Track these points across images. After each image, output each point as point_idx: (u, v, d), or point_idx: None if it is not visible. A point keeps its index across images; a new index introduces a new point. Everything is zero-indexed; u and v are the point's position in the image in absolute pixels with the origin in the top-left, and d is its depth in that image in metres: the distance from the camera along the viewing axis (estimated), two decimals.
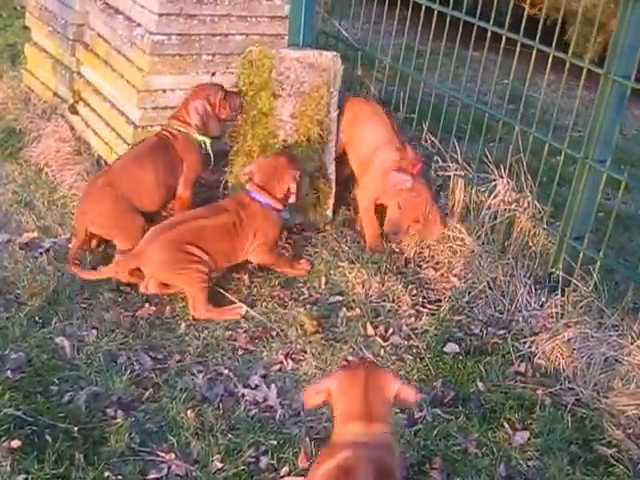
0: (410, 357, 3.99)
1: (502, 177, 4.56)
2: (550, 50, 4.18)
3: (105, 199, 4.40)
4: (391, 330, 4.17)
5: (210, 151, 4.68)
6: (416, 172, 4.56)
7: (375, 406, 2.69)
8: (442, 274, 4.59)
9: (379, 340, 4.08)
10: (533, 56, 4.29)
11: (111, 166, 4.67)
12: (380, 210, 4.79)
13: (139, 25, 5.03)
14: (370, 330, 4.14)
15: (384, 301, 4.36)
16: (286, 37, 5.15)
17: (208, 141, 4.66)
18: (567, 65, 4.15)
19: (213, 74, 5.05)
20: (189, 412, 3.49)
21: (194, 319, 4.11)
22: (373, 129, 4.81)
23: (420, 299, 4.42)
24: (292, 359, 3.90)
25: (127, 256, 4.18)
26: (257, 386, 3.71)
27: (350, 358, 3.90)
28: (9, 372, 3.61)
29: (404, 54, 5.22)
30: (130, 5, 5.12)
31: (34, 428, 3.32)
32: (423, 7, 4.89)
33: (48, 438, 3.28)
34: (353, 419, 2.68)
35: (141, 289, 4.20)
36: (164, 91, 4.99)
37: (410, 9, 5.00)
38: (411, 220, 4.57)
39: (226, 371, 3.78)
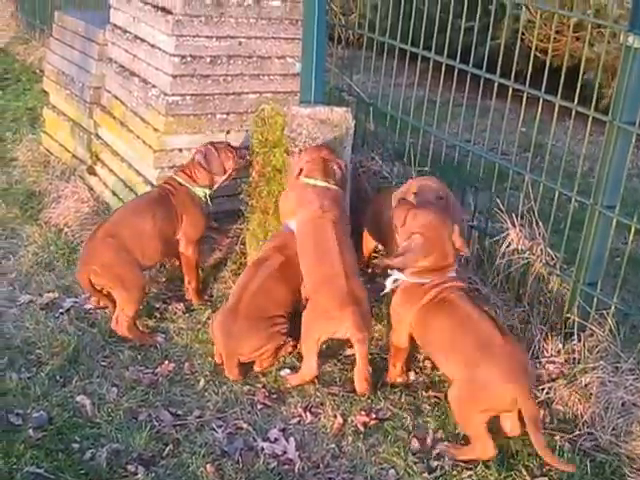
0: (428, 407, 4.00)
1: (515, 226, 4.59)
2: (556, 100, 4.24)
3: (107, 250, 4.43)
4: (409, 381, 4.20)
5: (210, 204, 4.76)
6: None
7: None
8: None
9: (397, 391, 4.10)
10: (540, 105, 4.34)
11: (110, 218, 4.68)
12: None
13: (154, 86, 5.16)
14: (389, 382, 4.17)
15: None
16: (299, 94, 5.24)
17: (208, 192, 4.73)
18: (573, 113, 4.20)
19: (228, 132, 5.16)
20: (209, 467, 3.50)
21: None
22: None
23: None
24: (311, 412, 3.91)
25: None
26: (276, 439, 3.72)
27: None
28: (31, 431, 3.64)
29: (416, 106, 5.30)
30: (145, 67, 5.26)
31: None
32: (431, 60, 4.97)
33: None
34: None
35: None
36: (180, 150, 5.09)
37: (419, 62, 5.08)
38: None
39: (245, 425, 3.79)
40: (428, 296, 3.83)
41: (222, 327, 4.15)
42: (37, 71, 8.78)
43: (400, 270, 3.96)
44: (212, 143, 4.76)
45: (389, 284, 4.04)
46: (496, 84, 4.59)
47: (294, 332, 4.25)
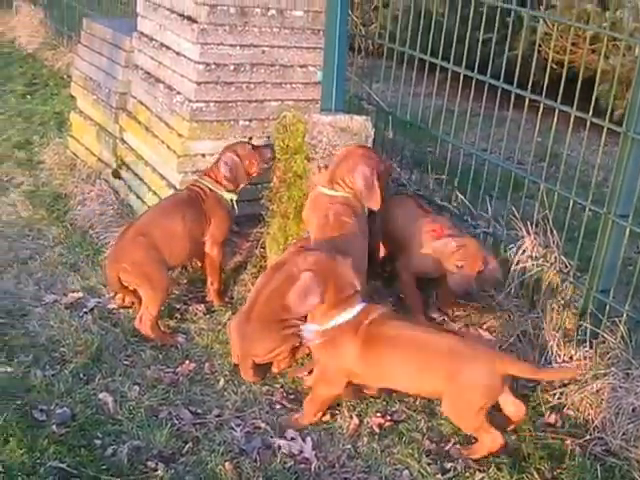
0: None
1: (529, 233, 4.65)
2: (572, 111, 4.31)
3: (137, 248, 4.55)
4: None
5: (236, 208, 4.87)
6: (448, 231, 4.61)
7: None
8: (474, 329, 4.68)
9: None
10: (555, 116, 4.41)
11: (140, 217, 4.85)
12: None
13: (179, 93, 5.26)
14: None
15: None
16: (320, 102, 5.33)
17: (235, 197, 4.84)
18: (588, 124, 4.27)
19: (250, 139, 5.22)
20: (227, 464, 3.57)
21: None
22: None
23: None
24: (328, 412, 3.97)
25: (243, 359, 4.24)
26: (293, 439, 3.78)
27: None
28: (54, 426, 3.74)
29: (434, 115, 5.38)
30: (170, 74, 5.36)
31: None
32: (450, 71, 5.06)
33: None
34: None
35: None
36: (203, 155, 5.19)
37: (437, 72, 5.17)
38: (475, 272, 4.45)
39: (263, 425, 3.86)
40: (363, 332, 3.72)
41: (237, 329, 4.23)
42: (64, 76, 8.90)
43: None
44: (235, 150, 4.83)
45: (311, 334, 3.84)
46: (513, 95, 4.67)
47: None
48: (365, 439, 3.83)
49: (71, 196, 6.05)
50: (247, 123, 5.28)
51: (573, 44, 4.84)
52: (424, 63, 5.21)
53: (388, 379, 3.86)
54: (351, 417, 3.95)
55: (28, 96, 8.52)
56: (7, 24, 10.87)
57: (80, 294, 4.84)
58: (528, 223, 4.70)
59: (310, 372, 4.19)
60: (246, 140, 5.06)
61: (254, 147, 4.92)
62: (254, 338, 4.18)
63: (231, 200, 4.83)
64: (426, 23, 5.16)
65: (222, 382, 4.17)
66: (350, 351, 3.74)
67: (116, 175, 5.98)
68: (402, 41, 5.40)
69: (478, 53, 4.84)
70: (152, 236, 4.57)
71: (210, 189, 4.79)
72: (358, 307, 3.78)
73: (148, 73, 5.68)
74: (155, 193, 5.42)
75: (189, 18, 5.11)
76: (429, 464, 3.68)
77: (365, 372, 3.81)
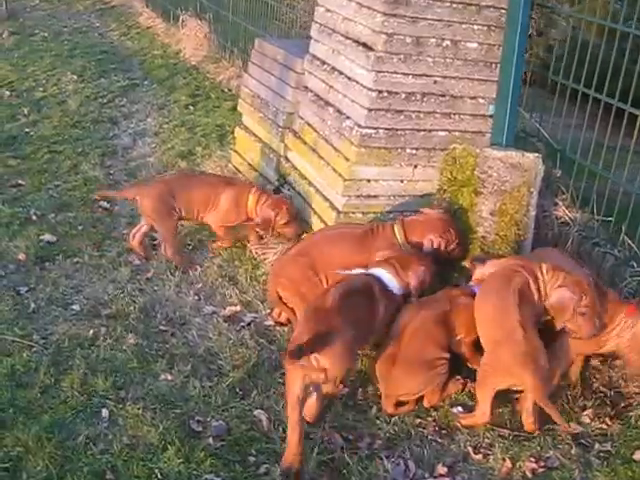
0: (597, 461, 3.95)
1: None
2: None
3: (296, 266, 4.67)
4: (580, 433, 4.14)
5: None
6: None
7: None
8: (633, 380, 4.54)
9: (569, 441, 4.07)
10: None
11: (307, 237, 4.99)
12: None
13: (348, 118, 5.30)
14: (559, 430, 4.13)
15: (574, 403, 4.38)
16: (487, 134, 5.30)
17: None
18: None
19: (415, 167, 5.25)
20: None
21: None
22: None
23: (609, 403, 4.38)
24: (479, 452, 3.94)
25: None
26: (442, 475, 3.75)
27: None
28: (210, 439, 3.82)
29: (604, 154, 5.25)
30: (341, 99, 5.42)
31: None
32: (626, 112, 4.95)
33: None
34: None
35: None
36: (368, 181, 5.22)
37: (613, 112, 5.06)
38: None
39: (413, 458, 3.84)
40: None
41: (381, 369, 4.22)
42: (225, 89, 9.14)
43: None
44: (447, 243, 4.73)
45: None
46: None
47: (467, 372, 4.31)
48: None
49: None
50: (414, 152, 5.27)
51: None
52: (598, 101, 5.12)
53: None
54: (504, 459, 3.89)
55: (191, 107, 8.74)
56: (174, 36, 11.22)
57: (238, 308, 4.95)
58: None
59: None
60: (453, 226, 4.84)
61: (459, 241, 4.81)
62: (399, 380, 4.16)
63: None
64: (617, 65, 5.08)
65: (374, 409, 4.17)
66: None
67: (278, 192, 6.05)
68: (576, 78, 5.31)
69: None
70: (312, 257, 4.67)
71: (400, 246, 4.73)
72: None
73: (318, 95, 5.75)
74: (316, 213, 5.48)
75: (365, 45, 5.15)
76: None
77: None
